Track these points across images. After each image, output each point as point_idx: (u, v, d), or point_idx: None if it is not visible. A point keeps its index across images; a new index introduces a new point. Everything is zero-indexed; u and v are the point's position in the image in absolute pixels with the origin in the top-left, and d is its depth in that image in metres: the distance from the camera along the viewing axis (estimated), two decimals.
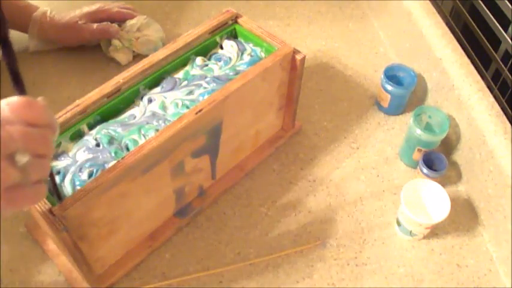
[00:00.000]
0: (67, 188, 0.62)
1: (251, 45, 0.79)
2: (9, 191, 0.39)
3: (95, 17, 0.95)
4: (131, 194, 0.65)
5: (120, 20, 0.98)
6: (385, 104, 0.93)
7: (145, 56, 0.75)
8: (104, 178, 0.59)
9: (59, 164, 0.64)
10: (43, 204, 0.57)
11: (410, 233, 0.77)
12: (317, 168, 0.87)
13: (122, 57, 0.98)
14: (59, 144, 0.66)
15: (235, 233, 0.79)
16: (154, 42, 0.99)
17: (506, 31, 0.83)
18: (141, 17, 1.00)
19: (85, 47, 1.01)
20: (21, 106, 0.40)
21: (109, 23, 0.96)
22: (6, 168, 0.37)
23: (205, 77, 0.75)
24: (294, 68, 0.78)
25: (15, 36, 0.98)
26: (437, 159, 0.82)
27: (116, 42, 0.97)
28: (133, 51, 1.00)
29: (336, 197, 0.83)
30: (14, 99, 0.40)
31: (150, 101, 0.72)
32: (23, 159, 0.38)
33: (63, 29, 0.94)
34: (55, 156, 0.65)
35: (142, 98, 0.72)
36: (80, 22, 0.93)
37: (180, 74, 0.76)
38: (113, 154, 0.65)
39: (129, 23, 0.98)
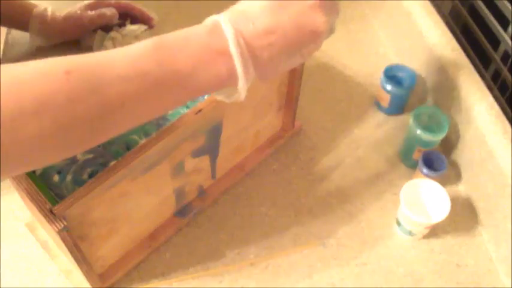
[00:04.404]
0: (67, 188, 0.62)
1: None
2: None
3: (95, 8, 0.97)
4: (131, 193, 0.65)
5: (119, 11, 0.99)
6: (385, 104, 0.93)
7: None
8: (104, 178, 0.59)
9: (59, 163, 0.64)
10: (43, 204, 0.57)
11: (410, 233, 0.77)
12: (317, 168, 0.87)
13: None
14: None
15: (235, 233, 0.79)
16: None
17: (505, 31, 0.83)
18: (142, 26, 1.00)
19: (86, 47, 1.01)
20: None
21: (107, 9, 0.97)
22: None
23: None
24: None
25: (17, 34, 0.98)
26: (437, 159, 0.82)
27: (113, 34, 0.97)
28: None
29: (336, 197, 0.83)
30: None
31: None
32: None
33: (63, 21, 0.95)
34: None
35: None
36: (78, 12, 0.95)
37: None
38: (113, 154, 0.66)
39: (129, 27, 0.99)
